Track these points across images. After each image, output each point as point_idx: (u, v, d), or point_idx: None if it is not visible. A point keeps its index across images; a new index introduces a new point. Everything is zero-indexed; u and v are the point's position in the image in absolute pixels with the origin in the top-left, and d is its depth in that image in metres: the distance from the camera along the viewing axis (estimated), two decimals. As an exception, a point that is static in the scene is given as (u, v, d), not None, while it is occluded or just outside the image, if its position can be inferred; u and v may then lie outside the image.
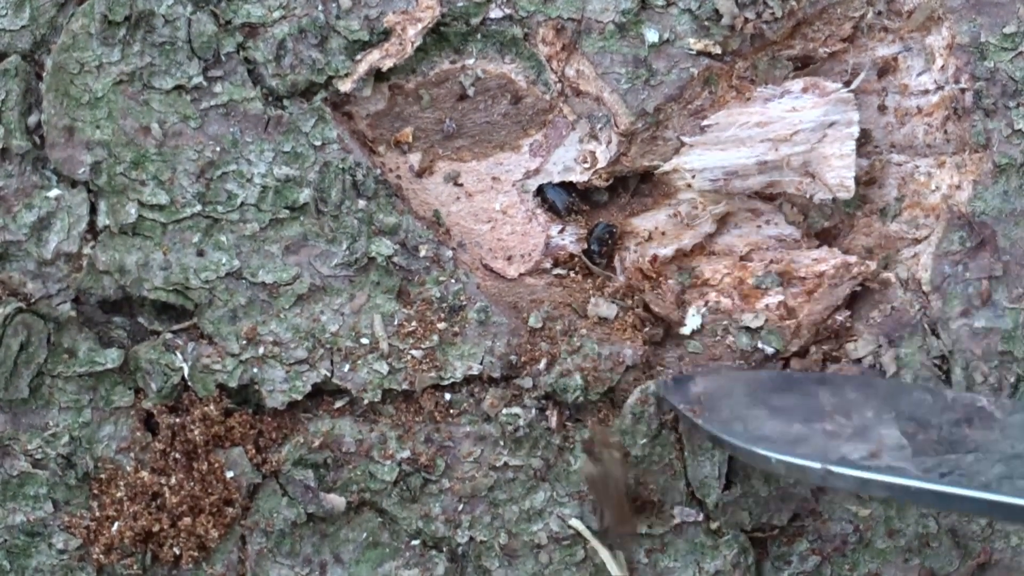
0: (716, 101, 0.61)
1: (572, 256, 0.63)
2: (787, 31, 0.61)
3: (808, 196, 0.61)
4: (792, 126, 0.61)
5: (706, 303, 0.61)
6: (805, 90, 0.61)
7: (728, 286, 0.61)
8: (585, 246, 0.63)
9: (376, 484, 0.60)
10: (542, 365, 0.59)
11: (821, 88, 0.61)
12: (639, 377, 0.60)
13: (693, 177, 0.61)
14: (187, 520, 0.59)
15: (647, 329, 0.61)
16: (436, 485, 0.60)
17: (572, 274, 0.63)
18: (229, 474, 0.59)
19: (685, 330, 0.61)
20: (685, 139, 0.61)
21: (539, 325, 0.60)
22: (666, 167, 0.61)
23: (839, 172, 0.61)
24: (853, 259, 0.61)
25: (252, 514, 0.60)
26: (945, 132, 0.62)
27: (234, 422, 0.59)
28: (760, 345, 0.61)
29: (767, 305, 0.60)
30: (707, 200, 0.62)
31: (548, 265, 0.63)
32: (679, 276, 0.61)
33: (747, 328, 0.61)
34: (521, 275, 0.63)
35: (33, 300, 0.58)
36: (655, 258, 0.62)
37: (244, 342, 0.58)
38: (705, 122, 0.61)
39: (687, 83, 0.60)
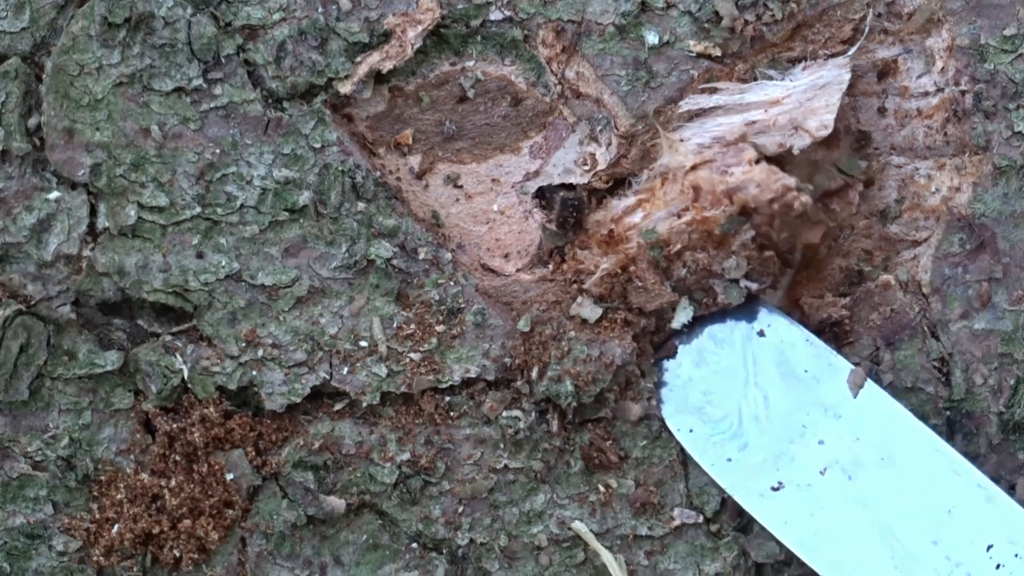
0: (716, 103, 0.61)
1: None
2: (787, 33, 0.61)
3: (788, 147, 0.60)
4: (785, 90, 0.60)
5: (684, 264, 0.60)
6: (805, 68, 0.61)
7: (698, 241, 0.60)
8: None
9: (376, 486, 0.60)
10: (535, 373, 0.59)
11: (819, 62, 0.61)
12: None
13: (682, 142, 0.61)
14: (187, 522, 0.59)
15: (642, 322, 0.60)
16: (436, 487, 0.60)
17: (563, 265, 0.62)
18: (229, 476, 0.59)
19: (675, 324, 0.61)
20: (682, 104, 0.60)
21: (528, 329, 0.60)
22: (655, 141, 0.61)
23: (821, 117, 0.59)
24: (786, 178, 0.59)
25: (252, 516, 0.60)
26: (945, 134, 0.62)
27: (234, 424, 0.59)
28: (745, 284, 0.60)
29: (743, 243, 0.60)
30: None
31: (544, 259, 0.63)
32: (650, 251, 0.60)
33: (734, 281, 0.60)
34: (517, 271, 0.63)
35: (33, 302, 0.58)
36: (611, 231, 0.61)
37: (243, 344, 0.58)
38: (703, 85, 0.60)
39: (687, 85, 0.60)
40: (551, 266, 0.62)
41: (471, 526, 0.61)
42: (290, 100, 0.59)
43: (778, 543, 0.59)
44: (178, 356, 0.59)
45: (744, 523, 0.60)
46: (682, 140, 0.61)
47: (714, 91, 0.60)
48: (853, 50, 0.61)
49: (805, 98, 0.60)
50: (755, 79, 0.61)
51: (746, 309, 0.61)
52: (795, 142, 0.59)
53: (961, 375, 0.60)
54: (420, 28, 0.59)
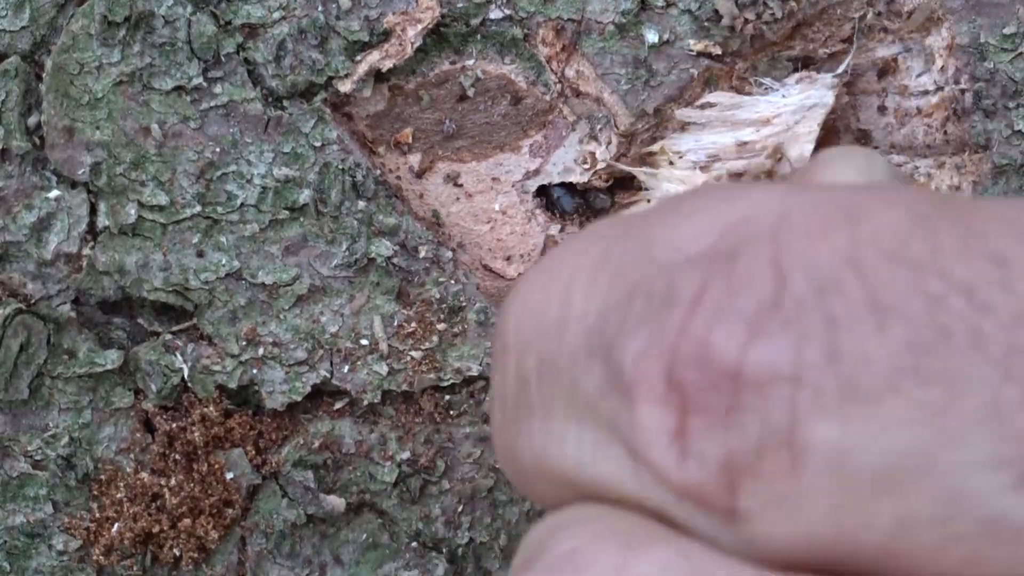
0: (716, 102, 0.61)
1: None
2: (787, 32, 0.61)
3: (772, 172, 0.60)
4: (776, 108, 0.60)
5: None
6: (799, 81, 0.61)
7: None
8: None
9: (376, 485, 0.60)
10: None
11: (812, 78, 0.61)
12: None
13: (680, 157, 0.61)
14: (187, 521, 0.59)
15: None
16: (436, 486, 0.60)
17: None
18: (229, 475, 0.59)
19: None
20: (679, 113, 0.60)
21: None
22: (653, 147, 0.61)
23: (802, 145, 0.60)
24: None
25: (252, 515, 0.60)
26: (945, 133, 0.62)
27: (234, 423, 0.59)
28: None
29: None
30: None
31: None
32: None
33: None
34: (520, 275, 0.63)
35: (33, 301, 0.58)
36: None
37: (244, 343, 0.58)
38: (701, 101, 0.61)
39: (687, 84, 0.60)
40: None
41: (471, 525, 0.61)
42: (290, 99, 0.59)
43: None
44: (178, 355, 0.59)
45: None
46: (680, 156, 0.61)
47: (708, 106, 0.60)
48: (842, 68, 0.61)
49: (793, 120, 0.60)
50: (750, 84, 0.61)
51: None
52: (778, 168, 0.60)
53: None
54: (420, 27, 0.59)
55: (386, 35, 0.60)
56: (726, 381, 0.21)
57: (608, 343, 0.23)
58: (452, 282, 0.60)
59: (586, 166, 0.62)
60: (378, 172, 0.60)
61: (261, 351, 0.58)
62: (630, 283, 0.23)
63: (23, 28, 0.58)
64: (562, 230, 0.63)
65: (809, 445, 0.20)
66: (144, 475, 0.59)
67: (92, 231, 0.58)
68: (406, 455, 0.60)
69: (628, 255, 0.24)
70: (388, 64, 0.60)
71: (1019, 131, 0.60)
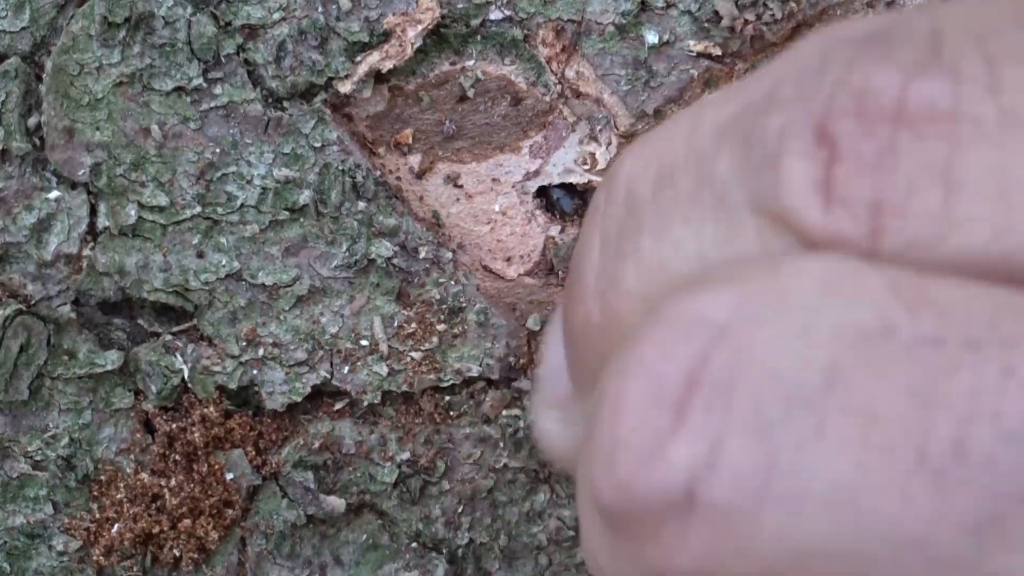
0: (716, 103, 0.61)
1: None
2: (787, 33, 0.61)
3: None
4: None
5: None
6: None
7: None
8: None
9: (376, 486, 0.60)
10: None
11: None
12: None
13: None
14: (187, 522, 0.59)
15: None
16: (436, 487, 0.60)
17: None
18: (229, 476, 0.59)
19: None
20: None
21: (537, 328, 0.60)
22: None
23: None
24: None
25: (252, 516, 0.60)
26: (945, 134, 0.62)
27: (234, 424, 0.59)
28: None
29: None
30: None
31: (551, 267, 0.63)
32: None
33: None
34: (520, 275, 0.63)
35: (33, 302, 0.58)
36: None
37: (244, 344, 0.58)
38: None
39: (687, 85, 0.60)
40: (561, 273, 0.62)
41: (471, 526, 0.61)
42: (290, 99, 0.59)
43: None
44: (178, 356, 0.59)
45: None
46: None
47: None
48: None
49: None
50: None
51: None
52: None
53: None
54: (420, 27, 0.59)
55: (386, 36, 0.60)
56: (884, 123, 0.21)
57: (747, 127, 0.23)
58: (452, 283, 0.60)
59: (586, 167, 0.62)
60: (378, 173, 0.60)
61: (261, 352, 0.59)
62: (775, 80, 0.23)
63: (23, 29, 0.58)
64: (562, 231, 0.63)
65: (966, 174, 0.21)
66: (144, 476, 0.59)
67: (92, 232, 0.58)
68: (406, 456, 0.60)
69: (772, 67, 0.24)
70: (388, 65, 0.60)
71: (1019, 132, 0.60)
